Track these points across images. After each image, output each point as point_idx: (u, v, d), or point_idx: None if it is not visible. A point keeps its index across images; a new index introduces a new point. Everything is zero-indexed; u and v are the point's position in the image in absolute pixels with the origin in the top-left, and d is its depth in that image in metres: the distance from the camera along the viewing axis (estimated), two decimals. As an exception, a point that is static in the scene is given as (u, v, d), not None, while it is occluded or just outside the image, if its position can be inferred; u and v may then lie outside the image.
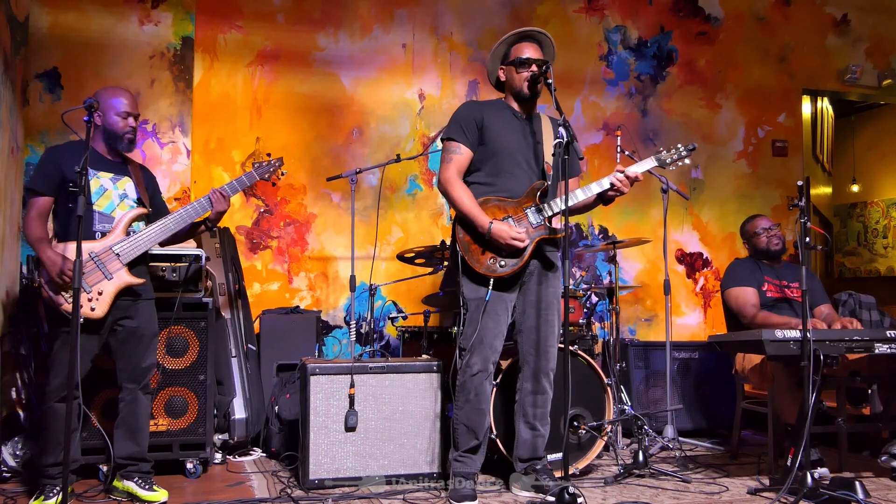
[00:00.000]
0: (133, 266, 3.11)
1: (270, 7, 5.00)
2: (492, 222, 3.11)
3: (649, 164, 3.32)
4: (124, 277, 3.06)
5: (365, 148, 5.11)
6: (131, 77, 4.69)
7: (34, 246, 3.03)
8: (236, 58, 4.92)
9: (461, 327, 3.21)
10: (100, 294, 3.00)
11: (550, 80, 3.12)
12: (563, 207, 3.11)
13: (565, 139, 2.97)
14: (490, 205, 3.19)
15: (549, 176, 3.27)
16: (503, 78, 3.35)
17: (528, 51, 3.26)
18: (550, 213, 3.20)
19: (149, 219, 3.22)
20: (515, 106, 3.33)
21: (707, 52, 5.87)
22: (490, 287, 3.13)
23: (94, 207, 3.08)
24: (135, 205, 3.19)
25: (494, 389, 3.45)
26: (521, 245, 3.12)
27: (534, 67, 3.22)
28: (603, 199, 3.32)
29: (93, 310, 2.98)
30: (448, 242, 4.01)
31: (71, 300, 2.92)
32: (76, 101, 3.01)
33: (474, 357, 3.16)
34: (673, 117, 5.76)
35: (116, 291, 3.04)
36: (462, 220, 3.20)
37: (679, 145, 3.37)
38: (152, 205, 3.29)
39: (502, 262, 3.14)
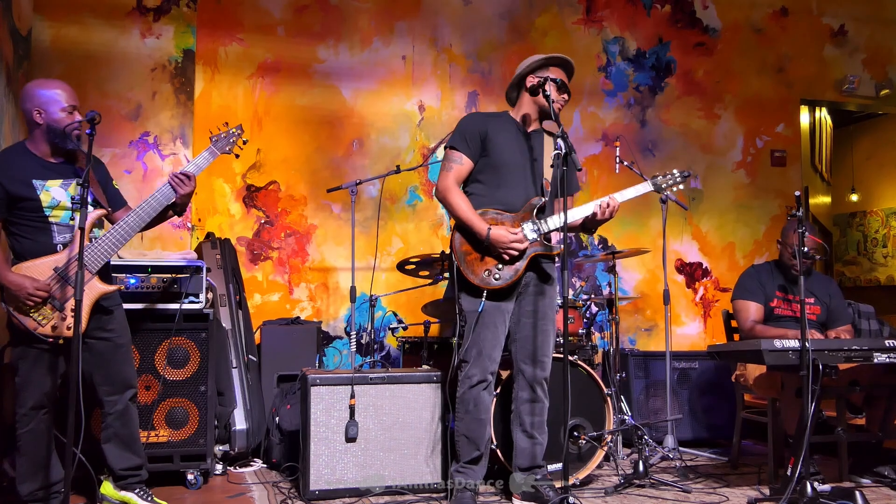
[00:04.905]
0: (101, 273, 2.94)
1: (271, 20, 5.03)
2: (490, 227, 3.13)
3: (645, 188, 3.36)
4: (97, 287, 2.90)
5: (365, 159, 5.13)
6: (133, 89, 4.73)
7: None
8: (237, 70, 4.95)
9: (459, 339, 3.22)
10: (73, 311, 2.77)
11: (549, 93, 3.15)
12: (561, 224, 3.14)
13: (563, 150, 2.99)
14: (487, 217, 3.21)
15: (548, 192, 3.30)
16: (529, 84, 3.29)
17: (564, 78, 3.33)
18: (547, 230, 3.22)
19: (112, 215, 3.07)
20: (521, 120, 3.36)
21: (705, 63, 5.90)
22: (484, 298, 3.15)
23: (50, 219, 2.89)
24: (92, 207, 2.89)
25: (494, 399, 3.46)
26: (521, 247, 3.14)
27: (566, 96, 3.30)
28: (586, 227, 3.36)
29: (69, 328, 2.79)
30: (448, 252, 4.03)
31: (44, 322, 2.80)
32: (79, 113, 2.99)
33: (473, 368, 3.17)
34: (671, 128, 5.79)
35: (91, 303, 2.87)
36: (461, 228, 3.22)
37: (675, 171, 3.42)
38: (105, 195, 3.07)
39: (497, 276, 3.16)
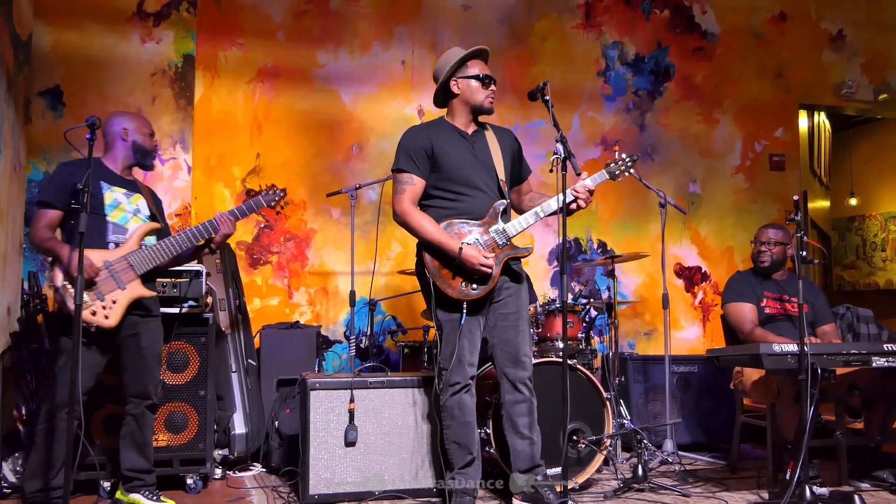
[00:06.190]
0: (144, 280, 3.12)
1: (271, 24, 5.05)
2: (461, 247, 3.10)
3: (601, 177, 3.35)
4: (137, 289, 3.07)
5: (364, 164, 5.14)
6: (133, 94, 4.74)
7: (47, 245, 2.99)
8: (237, 75, 4.96)
9: (438, 349, 3.21)
10: (113, 303, 3.00)
11: (548, 97, 3.14)
12: (531, 223, 3.22)
13: (562, 154, 2.99)
14: (454, 228, 3.17)
15: (507, 192, 3.29)
16: (456, 90, 3.28)
17: (486, 69, 3.29)
18: (514, 233, 3.22)
19: (159, 236, 3.24)
20: (460, 124, 3.31)
21: (704, 68, 5.92)
22: (464, 311, 3.13)
23: (108, 219, 3.11)
24: (147, 220, 3.22)
25: (493, 406, 3.47)
26: (489, 272, 3.13)
27: (493, 86, 3.27)
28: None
29: (106, 318, 2.98)
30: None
31: (86, 306, 2.91)
32: (78, 118, 3.01)
33: (455, 376, 3.16)
34: (670, 132, 5.80)
35: (129, 302, 3.04)
36: (429, 247, 3.18)
37: (624, 155, 3.39)
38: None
39: (474, 286, 3.14)
